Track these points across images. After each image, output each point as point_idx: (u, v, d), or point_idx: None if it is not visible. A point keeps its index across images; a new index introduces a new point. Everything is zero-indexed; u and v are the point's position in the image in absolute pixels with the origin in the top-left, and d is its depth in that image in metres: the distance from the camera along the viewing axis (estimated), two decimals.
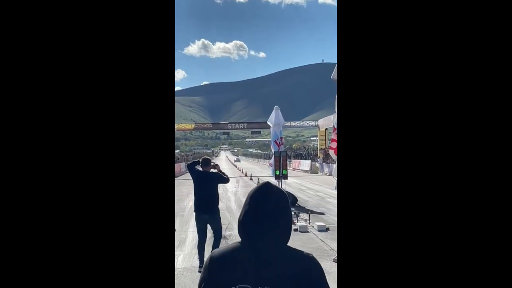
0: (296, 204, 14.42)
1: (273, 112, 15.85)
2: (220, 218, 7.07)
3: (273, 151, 15.82)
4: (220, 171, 7.27)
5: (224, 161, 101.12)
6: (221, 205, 15.52)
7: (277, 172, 14.77)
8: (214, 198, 7.02)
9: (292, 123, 47.77)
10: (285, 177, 15.00)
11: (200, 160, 7.36)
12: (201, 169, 7.19)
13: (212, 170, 7.14)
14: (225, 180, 7.19)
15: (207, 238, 7.00)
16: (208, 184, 6.98)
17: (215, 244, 6.99)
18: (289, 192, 15.05)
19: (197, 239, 7.13)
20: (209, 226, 6.99)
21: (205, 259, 6.97)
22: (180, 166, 39.80)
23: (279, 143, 15.35)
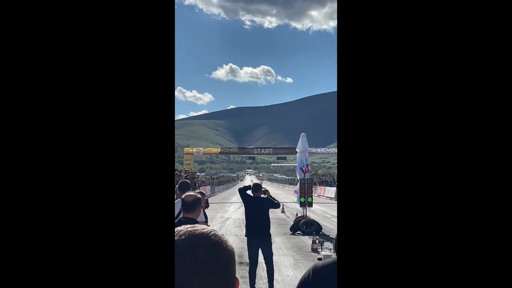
0: (321, 233, 14.27)
1: (300, 139, 15.90)
2: (271, 243, 7.08)
3: (298, 178, 15.79)
4: (270, 196, 7.33)
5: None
6: (242, 231, 15.43)
7: (302, 199, 14.71)
8: (266, 224, 7.07)
9: (318, 150, 47.56)
10: (310, 204, 14.92)
11: (251, 186, 7.45)
12: (252, 194, 7.27)
13: (262, 195, 7.24)
14: (276, 205, 7.26)
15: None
16: (260, 209, 7.04)
17: (269, 271, 7.02)
18: (313, 220, 14.93)
19: (249, 265, 7.13)
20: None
21: (256, 286, 7.00)
22: (205, 189, 39.86)
23: (305, 170, 15.34)
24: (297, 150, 16.04)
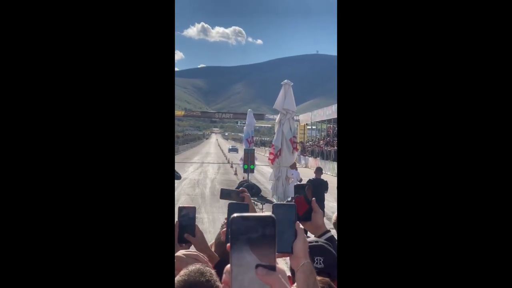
0: (260, 195, 16.58)
1: (247, 114, 18.63)
2: None
3: (244, 147, 18.54)
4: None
5: (213, 144, 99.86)
6: (197, 191, 17.37)
7: (245, 166, 17.47)
8: None
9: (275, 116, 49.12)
10: (252, 171, 17.71)
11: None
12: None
13: None
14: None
15: None
16: None
17: None
18: (254, 184, 17.61)
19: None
20: None
21: None
22: None
23: (250, 141, 18.19)
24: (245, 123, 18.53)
